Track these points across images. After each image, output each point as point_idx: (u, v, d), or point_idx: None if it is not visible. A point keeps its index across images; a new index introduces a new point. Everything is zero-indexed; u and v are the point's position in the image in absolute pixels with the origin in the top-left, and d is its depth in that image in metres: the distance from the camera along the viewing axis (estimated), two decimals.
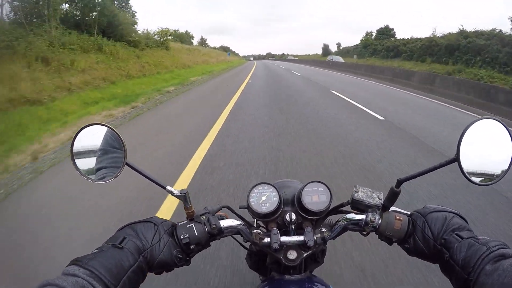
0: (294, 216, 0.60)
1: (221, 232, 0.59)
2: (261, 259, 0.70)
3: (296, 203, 0.61)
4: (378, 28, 35.43)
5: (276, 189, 0.61)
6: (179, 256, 0.54)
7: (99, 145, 0.56)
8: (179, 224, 0.58)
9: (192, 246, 0.56)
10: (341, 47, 52.28)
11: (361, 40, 36.88)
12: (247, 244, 0.66)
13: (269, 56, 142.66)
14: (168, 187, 0.57)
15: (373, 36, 35.31)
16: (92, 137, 0.56)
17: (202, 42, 55.98)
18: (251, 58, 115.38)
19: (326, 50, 60.76)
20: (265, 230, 0.62)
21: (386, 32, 33.81)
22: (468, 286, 0.44)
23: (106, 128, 0.56)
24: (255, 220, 0.65)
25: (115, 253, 0.46)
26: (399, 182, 0.56)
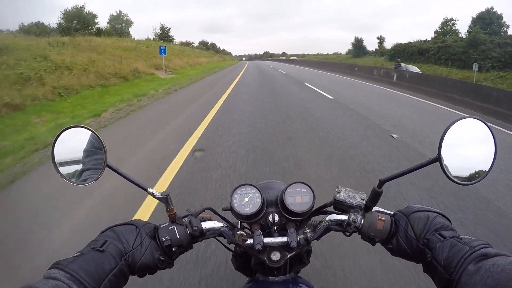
0: (277, 217, 0.60)
1: (203, 234, 0.58)
2: (247, 260, 0.70)
3: (279, 204, 0.61)
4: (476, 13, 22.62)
5: (258, 190, 0.61)
6: (161, 258, 0.54)
7: (80, 148, 0.56)
8: (161, 226, 0.57)
9: (174, 249, 0.56)
10: (384, 43, 38.82)
11: (437, 33, 27.81)
12: (232, 246, 0.66)
13: (267, 56, 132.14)
14: (150, 189, 0.57)
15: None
16: (72, 139, 0.56)
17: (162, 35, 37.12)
18: (244, 59, 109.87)
19: (358, 48, 41.97)
20: (249, 232, 0.62)
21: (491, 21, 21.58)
22: (450, 286, 0.44)
23: (86, 130, 0.56)
24: (239, 221, 0.65)
25: (96, 257, 0.46)
26: (381, 183, 0.56)
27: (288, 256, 0.60)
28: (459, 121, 0.53)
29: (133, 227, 0.55)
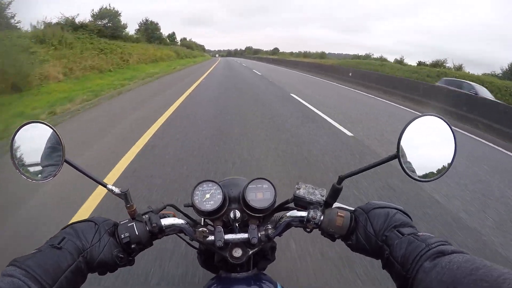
0: (238, 214, 0.60)
1: (162, 231, 0.58)
2: (211, 257, 0.69)
3: (241, 200, 0.61)
4: None
5: (220, 186, 0.61)
6: (120, 255, 0.54)
7: (38, 143, 0.56)
8: (121, 223, 0.57)
9: (133, 246, 0.55)
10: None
11: None
12: (195, 243, 0.66)
13: (251, 53, 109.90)
14: (109, 186, 0.56)
15: None
16: (31, 135, 0.56)
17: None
18: (217, 55, 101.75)
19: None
20: (212, 228, 0.62)
21: None
22: (407, 283, 0.44)
23: (44, 125, 0.55)
24: (202, 218, 0.64)
25: (53, 254, 0.46)
26: (340, 179, 0.56)
27: (250, 252, 0.60)
28: (418, 118, 0.53)
29: (92, 223, 0.55)
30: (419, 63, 29.82)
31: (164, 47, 27.32)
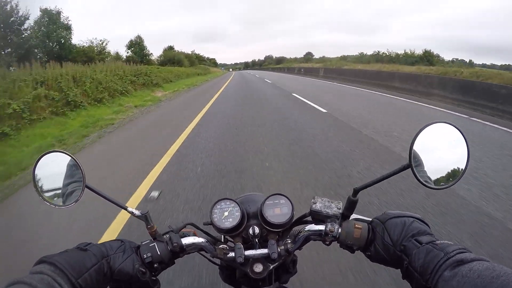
0: (257, 230, 0.61)
1: (183, 250, 0.59)
2: (233, 272, 0.70)
3: (259, 216, 0.61)
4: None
5: (237, 204, 0.62)
6: (142, 269, 0.55)
7: (59, 171, 0.58)
8: (143, 243, 0.59)
9: (155, 265, 0.57)
10: None
11: None
12: (218, 260, 0.67)
13: (274, 62, 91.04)
14: (129, 208, 0.58)
15: None
16: (52, 163, 0.58)
17: None
18: (230, 69, 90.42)
19: None
20: (232, 245, 0.63)
21: None
22: None
23: (63, 154, 0.57)
24: (222, 235, 0.65)
25: (78, 253, 0.50)
26: (355, 191, 0.57)
27: (271, 267, 0.60)
28: (428, 126, 0.53)
29: (119, 241, 0.58)
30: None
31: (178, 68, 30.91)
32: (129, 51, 30.85)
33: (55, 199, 0.58)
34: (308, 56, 67.47)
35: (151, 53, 30.27)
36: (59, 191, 0.58)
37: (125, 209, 0.58)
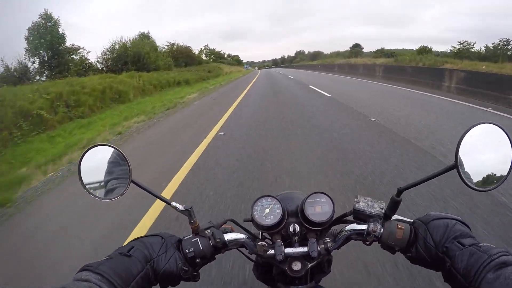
0: (297, 228, 0.61)
1: (225, 246, 0.60)
2: (268, 270, 0.70)
3: (300, 214, 0.62)
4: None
5: (279, 201, 0.62)
6: (185, 268, 0.56)
7: (105, 165, 0.59)
8: (185, 238, 0.59)
9: (197, 260, 0.57)
10: None
11: None
12: (254, 256, 0.67)
13: (299, 59, 76.51)
14: (173, 203, 0.59)
15: None
16: (98, 157, 0.59)
17: None
18: (256, 68, 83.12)
19: None
20: (270, 242, 0.63)
21: None
22: None
23: (110, 148, 0.58)
24: (260, 232, 0.66)
25: (123, 260, 0.49)
26: (399, 192, 0.56)
27: (309, 265, 0.61)
28: (475, 127, 0.53)
29: (159, 238, 0.57)
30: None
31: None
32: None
33: (100, 191, 0.58)
34: (357, 49, 49.26)
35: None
36: (104, 184, 0.59)
37: (169, 204, 0.59)
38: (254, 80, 21.79)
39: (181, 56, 25.42)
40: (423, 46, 27.09)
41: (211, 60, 45.10)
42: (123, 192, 0.57)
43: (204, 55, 46.36)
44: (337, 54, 53.93)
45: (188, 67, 22.73)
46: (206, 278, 1.67)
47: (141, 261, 0.51)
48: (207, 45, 54.11)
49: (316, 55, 75.89)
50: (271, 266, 0.69)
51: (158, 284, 0.55)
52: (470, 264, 0.45)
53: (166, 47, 25.83)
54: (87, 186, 0.58)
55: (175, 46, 26.93)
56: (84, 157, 0.58)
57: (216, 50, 54.54)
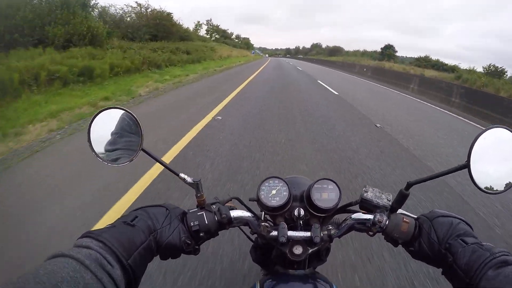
0: (302, 212, 0.61)
1: (230, 222, 0.60)
2: (266, 253, 0.70)
3: (305, 199, 0.62)
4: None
5: (286, 183, 0.62)
6: (188, 241, 0.55)
7: (116, 128, 0.57)
8: (190, 211, 0.59)
9: (201, 234, 0.57)
10: None
11: None
12: (253, 237, 0.67)
13: (315, 52, 72.15)
14: (181, 175, 0.58)
15: None
16: (109, 120, 0.57)
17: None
18: (267, 55, 78.60)
19: None
20: (272, 224, 0.63)
21: None
22: None
23: (123, 111, 0.56)
24: (263, 213, 0.66)
25: (127, 230, 0.48)
26: (409, 185, 0.57)
27: (310, 251, 0.61)
28: (489, 130, 0.54)
29: (163, 209, 0.56)
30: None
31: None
32: None
33: (109, 156, 0.57)
34: (389, 51, 41.19)
35: None
36: (114, 148, 0.57)
37: (177, 175, 0.58)
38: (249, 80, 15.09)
39: (156, 26, 17.03)
40: (490, 66, 21.58)
41: (213, 39, 37.76)
42: (133, 158, 0.56)
43: (205, 32, 39.53)
44: (363, 54, 47.45)
45: (159, 42, 15.14)
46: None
47: (144, 231, 0.50)
48: (210, 20, 46.02)
49: (336, 50, 65.66)
50: (269, 249, 0.69)
51: (158, 256, 0.55)
52: (472, 260, 0.47)
53: (128, 8, 17.13)
54: (96, 150, 0.56)
55: (149, 10, 17.46)
56: (96, 119, 0.57)
57: (222, 27, 46.89)
